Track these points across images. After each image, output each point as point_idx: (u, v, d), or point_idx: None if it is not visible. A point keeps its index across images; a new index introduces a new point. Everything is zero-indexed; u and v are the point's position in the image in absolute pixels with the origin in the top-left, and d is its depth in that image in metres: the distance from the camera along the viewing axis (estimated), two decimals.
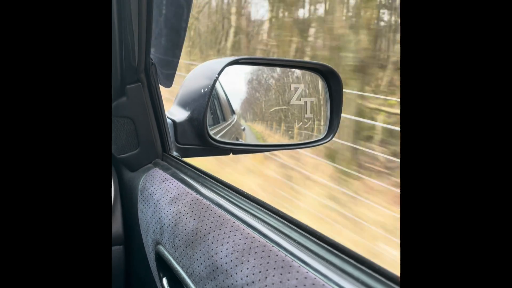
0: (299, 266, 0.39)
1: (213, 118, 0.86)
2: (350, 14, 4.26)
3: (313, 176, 3.35)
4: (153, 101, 0.73)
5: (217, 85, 0.80)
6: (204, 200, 0.56)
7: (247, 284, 0.41)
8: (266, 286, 0.39)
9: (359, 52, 3.75)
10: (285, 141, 0.96)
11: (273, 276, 0.39)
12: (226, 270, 0.44)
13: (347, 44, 3.83)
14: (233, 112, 0.92)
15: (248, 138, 0.93)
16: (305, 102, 0.92)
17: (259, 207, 0.51)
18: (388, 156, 3.13)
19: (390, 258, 2.30)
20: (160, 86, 0.75)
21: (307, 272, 0.38)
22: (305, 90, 0.92)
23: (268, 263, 0.41)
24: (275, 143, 0.94)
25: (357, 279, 0.36)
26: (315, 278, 0.37)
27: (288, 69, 0.93)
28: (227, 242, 0.46)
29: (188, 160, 0.76)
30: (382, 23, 4.09)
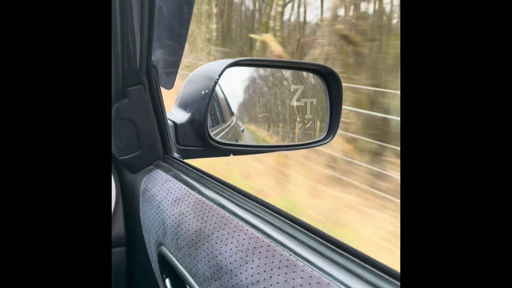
0: (304, 265, 0.39)
1: (213, 120, 0.86)
2: None
3: None
4: (154, 103, 0.73)
5: (217, 87, 0.80)
6: (207, 201, 0.56)
7: (252, 284, 0.41)
8: (271, 285, 0.39)
9: None
10: (285, 142, 0.96)
11: (278, 275, 0.40)
12: (231, 270, 0.44)
13: None
14: (232, 113, 0.93)
15: (247, 139, 0.93)
16: (305, 103, 0.92)
17: (262, 207, 0.51)
18: None
19: None
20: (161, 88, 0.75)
21: (312, 271, 0.38)
22: (306, 90, 0.92)
23: (272, 262, 0.41)
24: (275, 144, 0.95)
25: (361, 278, 0.36)
26: (320, 277, 0.37)
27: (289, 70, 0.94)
28: (231, 242, 0.47)
29: (190, 161, 0.76)
30: None
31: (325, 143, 0.93)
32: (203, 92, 0.77)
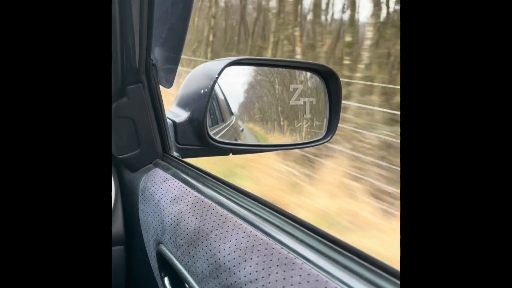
0: (302, 263, 0.39)
1: (212, 119, 0.86)
2: None
3: None
4: (153, 102, 0.73)
5: (216, 86, 0.80)
6: (206, 200, 0.56)
7: (251, 281, 0.41)
8: (269, 283, 0.39)
9: None
10: (284, 141, 0.96)
11: (277, 273, 0.40)
12: (229, 268, 0.44)
13: None
14: (231, 113, 0.93)
15: (246, 139, 0.93)
16: (304, 102, 0.92)
17: (261, 205, 0.51)
18: None
19: None
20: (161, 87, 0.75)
21: (310, 269, 0.38)
22: (304, 90, 0.92)
23: (271, 260, 0.41)
24: (275, 143, 0.95)
25: (360, 276, 0.36)
26: (318, 275, 0.37)
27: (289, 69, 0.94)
28: (230, 241, 0.47)
29: (189, 160, 0.76)
30: None
31: (324, 142, 0.93)
32: (202, 91, 0.77)
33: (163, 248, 0.59)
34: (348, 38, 6.56)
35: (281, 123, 0.94)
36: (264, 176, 3.82)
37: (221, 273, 0.45)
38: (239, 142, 0.91)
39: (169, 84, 0.76)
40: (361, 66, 5.92)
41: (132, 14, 0.62)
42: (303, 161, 4.37)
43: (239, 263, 0.44)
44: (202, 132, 0.78)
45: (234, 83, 0.89)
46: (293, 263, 0.40)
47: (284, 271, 0.39)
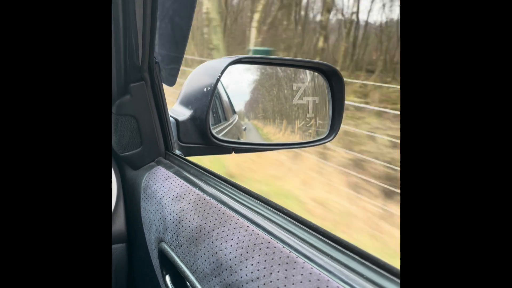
0: (304, 262, 0.39)
1: (215, 117, 0.86)
2: None
3: None
4: (156, 100, 0.73)
5: (219, 84, 0.80)
6: (208, 198, 0.56)
7: (252, 280, 0.41)
8: (271, 281, 0.39)
9: None
10: (287, 140, 0.96)
11: (278, 272, 0.40)
12: (231, 267, 0.44)
13: None
14: (234, 111, 0.92)
15: (249, 137, 0.93)
16: (307, 102, 0.92)
17: (263, 204, 0.51)
18: None
19: None
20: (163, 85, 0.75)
21: (311, 268, 0.38)
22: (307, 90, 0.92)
23: (272, 259, 0.41)
24: (277, 142, 0.95)
25: (361, 275, 0.36)
26: (319, 274, 0.37)
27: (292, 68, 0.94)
28: (232, 239, 0.47)
29: (192, 158, 0.76)
30: None
31: (327, 141, 0.93)
32: (205, 90, 0.77)
33: (165, 246, 0.59)
34: None
35: (283, 121, 0.94)
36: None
37: (222, 272, 0.45)
38: (241, 140, 0.91)
39: (171, 82, 0.76)
40: None
41: (135, 11, 0.62)
42: None
43: (240, 262, 0.44)
44: (205, 130, 0.78)
45: (237, 82, 0.88)
46: (295, 262, 0.40)
47: (286, 270, 0.39)
